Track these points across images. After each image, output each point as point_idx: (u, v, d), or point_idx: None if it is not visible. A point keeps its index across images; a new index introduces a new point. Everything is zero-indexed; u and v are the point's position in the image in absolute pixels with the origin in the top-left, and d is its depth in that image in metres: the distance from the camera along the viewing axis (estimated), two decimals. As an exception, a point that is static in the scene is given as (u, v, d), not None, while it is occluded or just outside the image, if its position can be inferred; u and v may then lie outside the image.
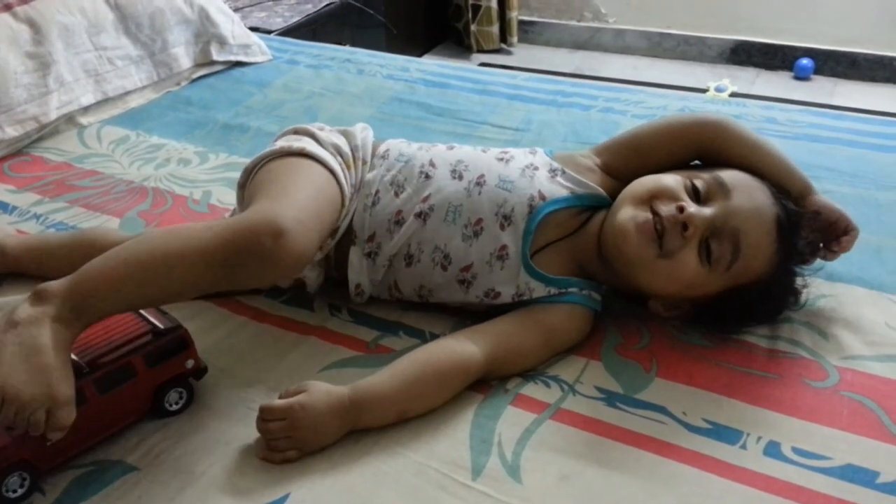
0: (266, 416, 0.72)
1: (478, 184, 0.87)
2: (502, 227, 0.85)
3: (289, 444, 0.72)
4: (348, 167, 0.90)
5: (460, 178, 0.88)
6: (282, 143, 0.89)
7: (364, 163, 0.92)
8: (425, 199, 0.87)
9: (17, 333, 0.66)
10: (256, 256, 0.69)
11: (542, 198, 0.86)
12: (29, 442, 0.67)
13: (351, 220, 0.88)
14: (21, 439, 0.67)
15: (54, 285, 0.69)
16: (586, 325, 0.86)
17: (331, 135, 0.93)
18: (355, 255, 0.88)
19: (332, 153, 0.89)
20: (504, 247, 0.85)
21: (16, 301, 0.72)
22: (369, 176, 0.91)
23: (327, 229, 0.83)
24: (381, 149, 0.94)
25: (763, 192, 0.83)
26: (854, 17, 2.77)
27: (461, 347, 0.79)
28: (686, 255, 0.79)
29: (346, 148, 0.91)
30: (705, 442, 0.73)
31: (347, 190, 0.87)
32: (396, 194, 0.88)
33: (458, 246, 0.86)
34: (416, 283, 0.88)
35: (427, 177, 0.89)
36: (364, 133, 0.96)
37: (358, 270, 0.89)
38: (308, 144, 0.88)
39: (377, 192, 0.89)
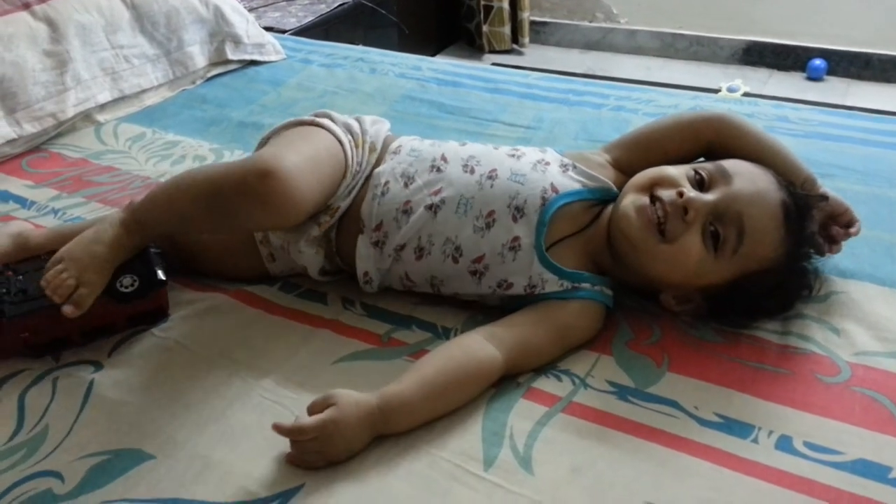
0: (298, 437, 0.70)
1: (490, 177, 0.88)
2: (515, 220, 0.86)
3: (319, 457, 0.71)
4: (356, 146, 0.93)
5: (472, 171, 0.89)
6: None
7: (373, 150, 0.94)
8: (437, 192, 0.88)
9: (99, 225, 0.87)
10: (243, 195, 0.78)
11: (555, 190, 0.87)
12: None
13: (359, 210, 0.90)
14: None
15: (137, 199, 0.88)
16: (599, 321, 0.86)
17: (345, 117, 0.98)
18: (363, 244, 0.89)
19: (343, 129, 0.93)
20: (517, 238, 0.85)
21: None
22: (380, 168, 0.92)
23: (327, 183, 0.87)
24: (394, 144, 0.96)
25: (766, 177, 0.84)
26: (867, 18, 2.75)
27: (484, 353, 0.78)
28: (689, 239, 0.80)
29: (356, 128, 0.95)
30: (717, 436, 0.73)
31: (351, 161, 0.91)
32: (406, 185, 0.90)
33: (470, 237, 0.86)
34: (428, 274, 0.89)
35: (438, 170, 0.90)
36: (377, 125, 0.98)
37: (365, 259, 0.90)
38: (320, 118, 0.94)
39: (386, 182, 0.90)
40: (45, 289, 0.82)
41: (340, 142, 0.91)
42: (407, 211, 0.88)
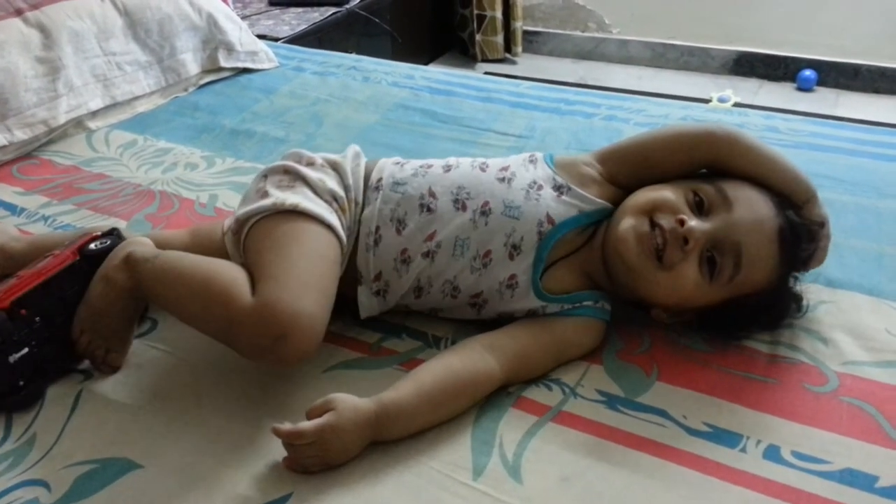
0: (296, 440, 0.70)
1: (483, 213, 0.86)
2: (511, 257, 0.85)
3: (316, 461, 0.71)
4: (343, 211, 0.87)
5: (464, 207, 0.86)
6: (275, 194, 0.85)
7: (356, 204, 0.89)
8: (431, 237, 0.86)
9: (105, 287, 0.85)
10: (259, 351, 0.75)
11: (551, 221, 0.85)
12: None
13: (354, 262, 0.87)
14: None
15: (140, 260, 0.84)
16: (598, 337, 0.86)
17: (323, 175, 0.89)
18: (364, 295, 0.88)
19: (327, 201, 0.86)
20: (513, 276, 0.85)
21: (123, 245, 0.88)
22: (366, 212, 0.88)
23: (333, 294, 0.80)
24: (374, 177, 0.91)
25: (766, 203, 0.82)
26: (857, 29, 2.78)
27: (483, 364, 0.78)
28: (686, 268, 0.80)
29: (340, 190, 0.88)
30: (705, 445, 0.74)
31: (344, 238, 0.85)
32: (398, 231, 0.86)
33: (467, 277, 0.86)
34: (428, 307, 0.89)
35: (429, 209, 0.87)
36: (356, 163, 0.92)
37: (368, 308, 0.89)
38: (302, 199, 0.84)
39: (378, 228, 0.87)
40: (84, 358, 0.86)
41: (333, 229, 0.83)
42: (406, 260, 0.86)
